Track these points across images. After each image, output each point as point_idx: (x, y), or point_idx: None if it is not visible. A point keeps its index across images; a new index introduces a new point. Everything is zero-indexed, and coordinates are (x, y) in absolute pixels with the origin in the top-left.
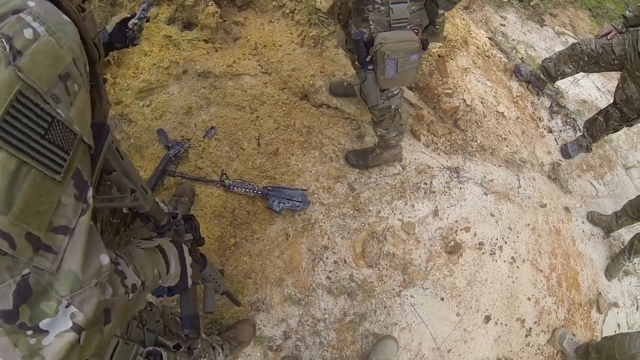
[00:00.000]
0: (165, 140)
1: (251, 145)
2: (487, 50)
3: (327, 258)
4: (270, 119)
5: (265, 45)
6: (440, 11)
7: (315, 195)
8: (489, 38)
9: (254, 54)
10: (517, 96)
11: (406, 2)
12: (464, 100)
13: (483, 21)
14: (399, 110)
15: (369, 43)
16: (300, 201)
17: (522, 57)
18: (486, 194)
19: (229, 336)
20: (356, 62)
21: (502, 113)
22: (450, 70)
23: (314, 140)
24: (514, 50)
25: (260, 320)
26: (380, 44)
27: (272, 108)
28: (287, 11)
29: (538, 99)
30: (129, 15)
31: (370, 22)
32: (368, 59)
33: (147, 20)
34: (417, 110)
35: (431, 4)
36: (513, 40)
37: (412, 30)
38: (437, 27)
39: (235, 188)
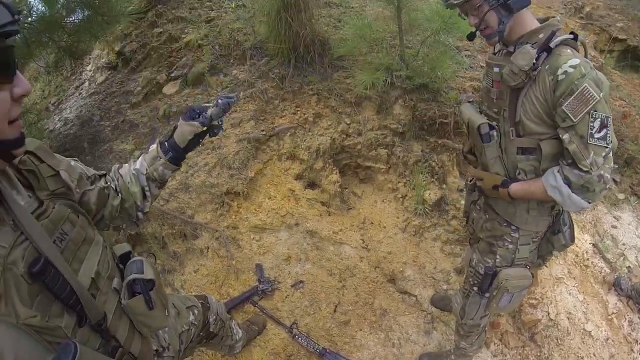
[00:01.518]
0: (260, 274)
1: (328, 309)
2: (587, 259)
3: None
4: (354, 292)
5: (372, 222)
6: (555, 252)
7: None
8: (593, 244)
9: (360, 228)
10: (612, 313)
11: (529, 244)
12: (548, 314)
13: (592, 223)
14: (486, 328)
15: (492, 274)
16: None
17: (629, 266)
18: None
19: None
20: (474, 287)
21: (590, 332)
22: (541, 278)
23: (385, 323)
24: (622, 258)
25: None
26: (505, 280)
27: (359, 282)
28: (399, 196)
29: (638, 318)
30: (202, 130)
31: (498, 256)
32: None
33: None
34: (494, 317)
35: (547, 244)
36: (623, 245)
37: (526, 266)
38: (544, 263)
39: (299, 339)
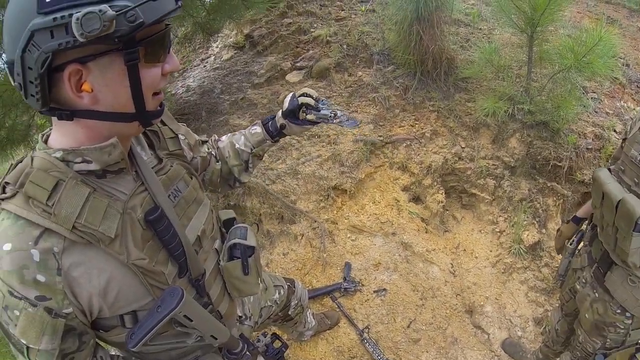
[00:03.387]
0: (347, 273)
1: (402, 323)
2: None
3: None
4: (430, 313)
5: (464, 250)
6: None
7: None
8: None
9: (452, 252)
10: None
11: None
12: None
13: None
14: None
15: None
16: None
17: None
18: None
19: None
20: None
21: None
22: None
23: (452, 352)
24: None
25: None
26: None
27: (437, 305)
28: (497, 230)
29: None
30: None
31: (608, 339)
32: None
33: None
34: None
35: None
36: None
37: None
38: None
39: (367, 344)
